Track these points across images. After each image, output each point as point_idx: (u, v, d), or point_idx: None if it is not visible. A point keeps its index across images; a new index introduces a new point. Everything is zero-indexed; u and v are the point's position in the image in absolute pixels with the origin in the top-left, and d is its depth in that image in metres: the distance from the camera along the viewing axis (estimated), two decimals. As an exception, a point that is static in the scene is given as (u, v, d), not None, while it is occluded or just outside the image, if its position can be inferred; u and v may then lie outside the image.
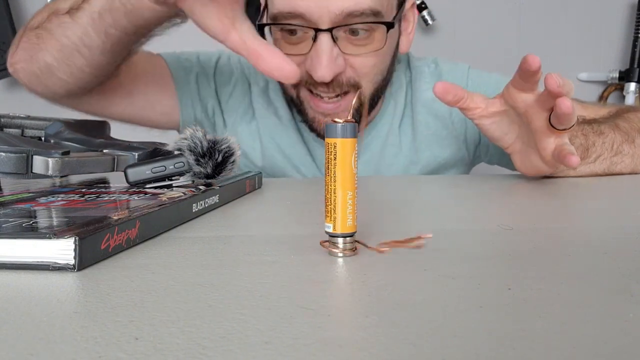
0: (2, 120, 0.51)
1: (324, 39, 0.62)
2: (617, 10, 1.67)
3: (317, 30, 0.62)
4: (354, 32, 0.64)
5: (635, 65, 1.61)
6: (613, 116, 0.70)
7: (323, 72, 0.62)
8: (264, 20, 0.72)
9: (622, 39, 1.68)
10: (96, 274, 0.24)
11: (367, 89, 0.69)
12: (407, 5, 0.71)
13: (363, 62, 0.66)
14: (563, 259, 0.26)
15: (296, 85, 0.69)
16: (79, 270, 0.24)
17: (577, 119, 0.65)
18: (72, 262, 0.24)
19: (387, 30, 0.66)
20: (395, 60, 0.73)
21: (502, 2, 1.65)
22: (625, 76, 1.63)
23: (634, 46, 1.61)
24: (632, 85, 1.62)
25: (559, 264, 0.25)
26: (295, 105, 0.73)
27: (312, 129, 0.73)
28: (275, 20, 0.65)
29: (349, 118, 0.26)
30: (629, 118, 0.68)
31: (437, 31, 1.64)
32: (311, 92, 0.68)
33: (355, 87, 0.67)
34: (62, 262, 0.24)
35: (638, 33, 1.60)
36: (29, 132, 0.52)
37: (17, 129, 0.51)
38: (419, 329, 0.17)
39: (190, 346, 0.16)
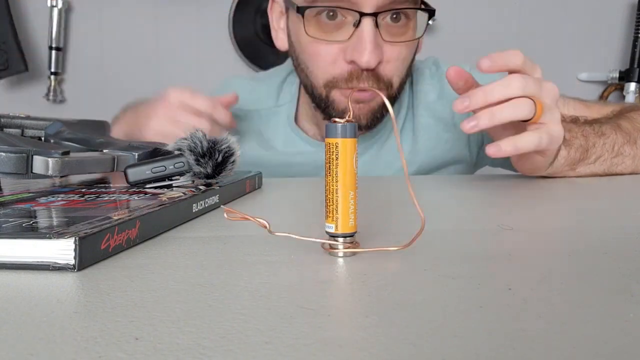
0: (2, 120, 0.51)
1: (369, 23, 0.60)
2: (617, 10, 1.67)
3: (362, 15, 0.60)
4: (395, 19, 0.63)
5: (635, 65, 1.61)
6: (616, 116, 0.69)
7: (369, 57, 0.60)
8: (281, 7, 0.71)
9: (622, 39, 1.68)
10: (96, 274, 0.24)
11: (395, 84, 0.68)
12: None
13: (398, 54, 0.65)
14: (563, 259, 0.26)
15: (330, 86, 0.67)
16: (79, 270, 0.24)
17: (578, 119, 0.65)
18: (72, 262, 0.24)
19: (429, 18, 0.65)
20: (415, 59, 0.72)
21: (502, 2, 1.65)
22: (625, 76, 1.63)
23: (634, 46, 1.61)
24: (632, 85, 1.62)
25: (559, 264, 0.25)
26: (321, 104, 0.70)
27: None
28: (316, 2, 0.62)
29: (349, 118, 0.26)
30: (632, 118, 0.67)
31: (437, 31, 1.64)
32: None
33: (388, 86, 0.66)
34: (62, 262, 0.24)
35: (638, 33, 1.60)
36: (29, 132, 0.52)
37: (17, 129, 0.51)
38: (419, 329, 0.17)
39: (190, 346, 0.16)
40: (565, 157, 0.58)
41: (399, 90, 0.69)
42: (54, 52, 1.62)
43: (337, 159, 0.26)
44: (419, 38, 0.67)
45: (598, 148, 0.61)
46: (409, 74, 0.71)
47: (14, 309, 0.19)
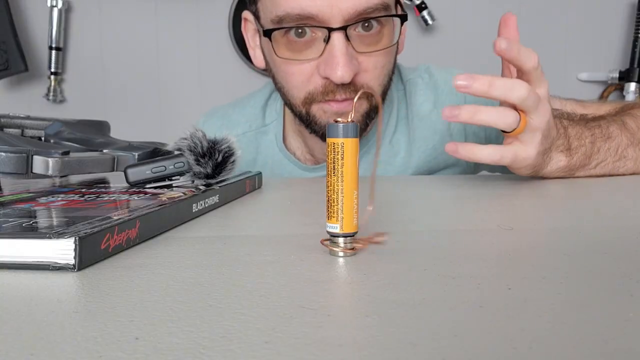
0: (2, 120, 0.51)
1: (339, 37, 0.59)
2: (617, 10, 1.67)
3: (330, 30, 0.59)
4: (367, 28, 0.61)
5: (635, 65, 1.61)
6: (619, 113, 0.68)
7: (342, 71, 0.59)
8: (255, 25, 0.69)
9: (622, 39, 1.68)
10: (96, 273, 0.24)
11: (378, 92, 0.66)
12: None
13: (375, 63, 0.63)
14: (563, 259, 0.26)
15: (308, 102, 0.65)
16: (79, 270, 0.24)
17: (587, 116, 0.64)
18: (72, 262, 0.24)
19: (402, 23, 0.64)
20: (396, 62, 0.71)
21: (502, 2, 1.65)
22: (625, 76, 1.63)
23: (634, 46, 1.61)
24: (632, 85, 1.62)
25: (559, 264, 0.25)
26: (303, 121, 0.68)
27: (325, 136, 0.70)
28: (281, 22, 0.61)
29: (351, 119, 0.26)
30: (636, 115, 0.66)
31: (437, 31, 1.64)
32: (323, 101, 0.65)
33: (368, 95, 0.65)
34: (62, 262, 0.24)
35: (638, 33, 1.60)
36: (29, 132, 0.52)
37: (17, 129, 0.51)
38: (419, 329, 0.17)
39: (190, 346, 0.16)
40: (564, 166, 0.58)
41: (383, 92, 0.68)
42: (54, 52, 1.62)
43: (342, 158, 0.26)
44: (394, 44, 0.65)
45: (602, 153, 0.60)
46: (392, 78, 0.70)
47: (14, 309, 0.19)
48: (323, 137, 0.68)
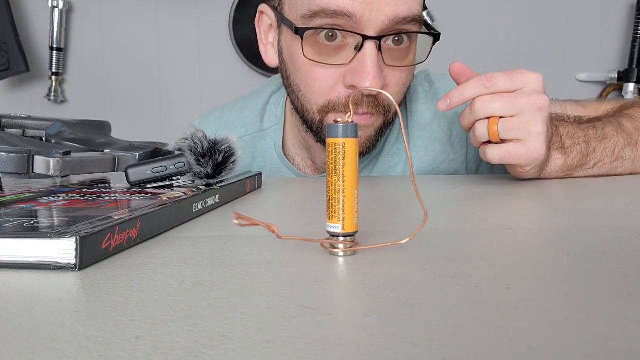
0: (4, 120, 0.51)
1: (372, 47, 0.56)
2: (616, 11, 1.67)
3: (365, 38, 0.56)
4: (398, 42, 0.59)
5: (634, 66, 1.61)
6: (617, 113, 0.67)
7: (372, 83, 0.56)
8: (271, 20, 0.66)
9: (621, 39, 1.68)
10: (97, 273, 0.24)
11: (393, 109, 0.64)
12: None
13: (399, 78, 0.61)
14: (563, 259, 0.26)
15: (325, 110, 0.62)
16: (80, 269, 0.24)
17: (582, 119, 0.64)
18: (73, 261, 0.24)
19: (434, 42, 0.61)
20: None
21: (502, 2, 1.66)
22: (624, 76, 1.63)
23: (633, 47, 1.61)
24: (631, 86, 1.62)
25: (558, 264, 0.25)
26: (314, 129, 0.65)
27: None
28: (314, 18, 0.57)
29: (350, 118, 0.26)
30: (633, 116, 0.66)
31: (437, 31, 1.64)
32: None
33: (386, 111, 0.62)
34: (63, 261, 0.24)
35: (637, 33, 1.60)
36: (30, 133, 0.52)
37: (18, 129, 0.52)
38: (419, 328, 0.17)
39: (190, 345, 0.16)
40: (562, 165, 0.58)
41: (395, 115, 0.66)
42: (55, 52, 1.62)
43: (343, 158, 0.26)
44: (421, 62, 0.63)
45: (598, 153, 0.60)
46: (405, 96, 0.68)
47: (15, 309, 0.19)
48: None
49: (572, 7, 1.67)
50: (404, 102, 0.74)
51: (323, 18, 0.57)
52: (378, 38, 0.57)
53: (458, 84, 0.56)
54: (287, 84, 0.67)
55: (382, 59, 0.58)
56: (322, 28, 0.58)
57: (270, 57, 0.69)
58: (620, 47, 1.68)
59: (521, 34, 1.66)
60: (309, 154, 0.74)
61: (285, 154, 0.76)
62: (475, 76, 0.55)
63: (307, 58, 0.59)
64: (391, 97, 0.27)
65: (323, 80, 0.61)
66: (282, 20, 0.63)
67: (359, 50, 0.57)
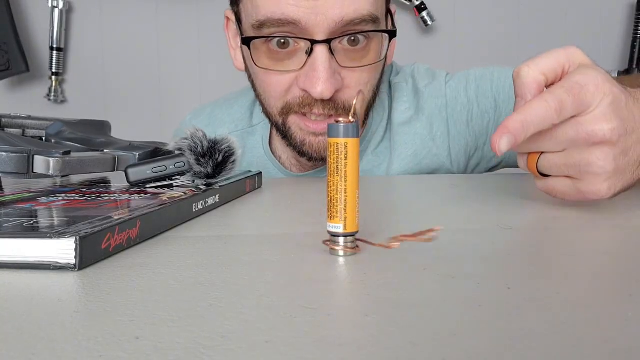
0: (4, 120, 0.51)
1: (322, 50, 0.56)
2: (616, 11, 1.67)
3: (313, 42, 0.56)
4: (353, 42, 0.58)
5: (634, 66, 1.61)
6: None
7: (322, 87, 0.55)
8: (238, 30, 0.65)
9: (621, 39, 1.68)
10: (97, 273, 0.24)
11: (359, 110, 0.62)
12: (392, 10, 0.65)
13: (359, 79, 0.60)
14: (563, 259, 0.26)
15: (285, 112, 0.62)
16: (79, 269, 0.24)
17: None
18: (73, 261, 0.24)
19: (390, 40, 0.60)
20: (383, 76, 0.66)
21: (502, 2, 1.65)
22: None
23: (633, 47, 1.61)
24: (632, 86, 1.62)
25: (559, 264, 0.25)
26: (281, 132, 0.66)
27: (302, 153, 0.64)
28: (262, 28, 0.57)
29: (350, 119, 0.26)
30: None
31: (436, 32, 1.64)
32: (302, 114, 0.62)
33: (348, 113, 0.61)
34: (63, 261, 0.24)
35: (637, 33, 1.60)
36: (30, 132, 0.52)
37: (18, 129, 0.52)
38: (419, 328, 0.17)
39: (190, 345, 0.16)
40: None
41: (366, 115, 0.65)
42: (55, 52, 1.62)
43: (346, 158, 0.26)
44: (382, 61, 0.62)
45: None
46: (378, 88, 0.66)
47: (15, 309, 0.19)
48: (300, 154, 0.65)
49: (572, 7, 1.67)
50: (387, 100, 0.73)
51: (270, 27, 0.57)
52: (327, 41, 0.56)
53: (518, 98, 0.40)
54: (254, 89, 0.68)
55: (337, 61, 0.57)
56: (271, 37, 0.58)
57: (238, 61, 0.70)
58: (620, 47, 1.68)
59: (521, 33, 1.66)
60: (293, 152, 0.74)
61: (272, 151, 0.76)
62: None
63: (258, 67, 0.60)
64: (361, 98, 0.26)
65: (278, 85, 0.61)
66: (238, 28, 0.64)
67: (309, 55, 0.57)
